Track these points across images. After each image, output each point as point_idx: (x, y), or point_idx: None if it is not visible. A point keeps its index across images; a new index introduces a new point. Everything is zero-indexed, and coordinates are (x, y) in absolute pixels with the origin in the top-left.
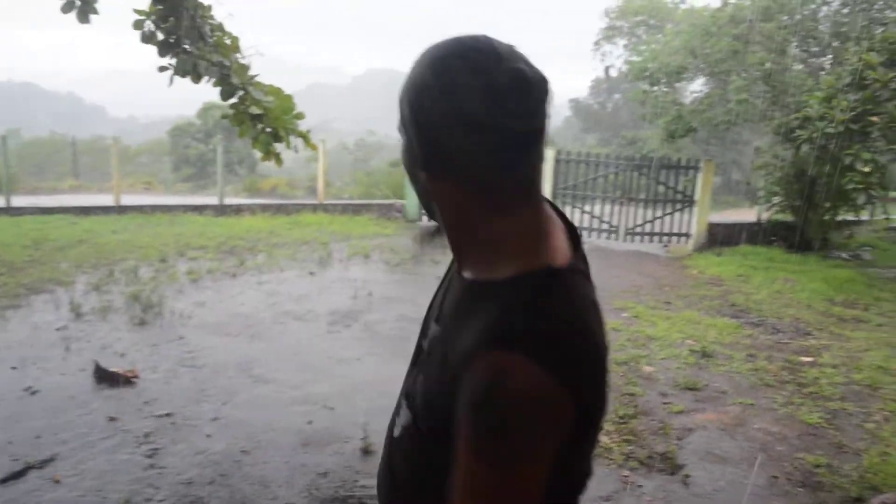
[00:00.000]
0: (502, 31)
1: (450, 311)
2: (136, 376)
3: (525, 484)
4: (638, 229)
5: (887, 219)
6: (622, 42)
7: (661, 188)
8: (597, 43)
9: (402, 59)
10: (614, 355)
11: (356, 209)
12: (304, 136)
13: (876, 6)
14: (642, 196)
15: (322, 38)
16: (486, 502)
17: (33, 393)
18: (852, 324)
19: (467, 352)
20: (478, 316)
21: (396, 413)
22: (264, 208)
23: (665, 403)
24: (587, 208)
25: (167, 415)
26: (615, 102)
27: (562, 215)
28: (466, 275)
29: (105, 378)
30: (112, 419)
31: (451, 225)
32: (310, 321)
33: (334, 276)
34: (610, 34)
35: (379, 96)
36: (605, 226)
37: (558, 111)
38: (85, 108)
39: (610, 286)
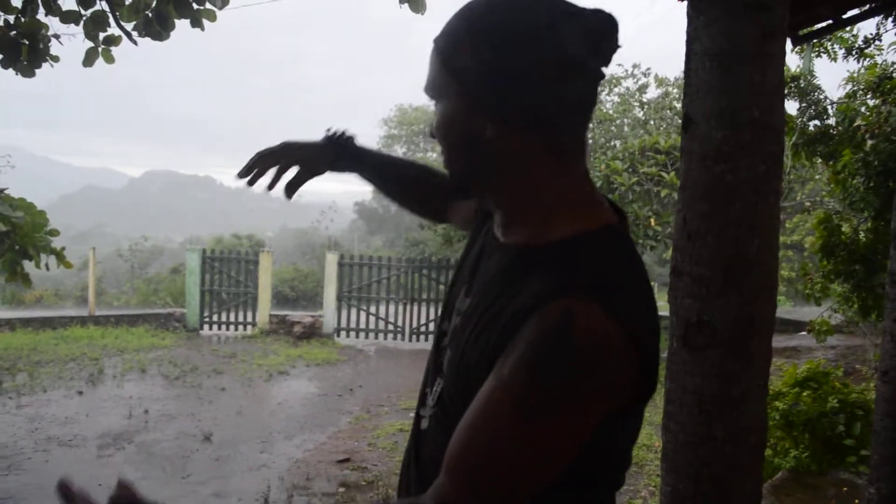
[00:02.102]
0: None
1: (494, 279)
2: None
3: (551, 441)
4: (423, 328)
5: None
6: (401, 150)
7: (442, 288)
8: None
9: (180, 161)
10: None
11: (132, 320)
12: (58, 254)
13: (613, 125)
14: (425, 296)
15: (96, 136)
16: (505, 450)
17: None
18: None
19: (535, 301)
20: (539, 274)
21: (421, 405)
22: (26, 322)
23: None
24: (372, 310)
25: None
26: None
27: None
28: (515, 240)
29: None
30: None
31: (513, 185)
32: (77, 446)
33: (106, 394)
34: (389, 142)
35: (158, 198)
36: (390, 326)
37: (344, 214)
38: None
39: (398, 385)
